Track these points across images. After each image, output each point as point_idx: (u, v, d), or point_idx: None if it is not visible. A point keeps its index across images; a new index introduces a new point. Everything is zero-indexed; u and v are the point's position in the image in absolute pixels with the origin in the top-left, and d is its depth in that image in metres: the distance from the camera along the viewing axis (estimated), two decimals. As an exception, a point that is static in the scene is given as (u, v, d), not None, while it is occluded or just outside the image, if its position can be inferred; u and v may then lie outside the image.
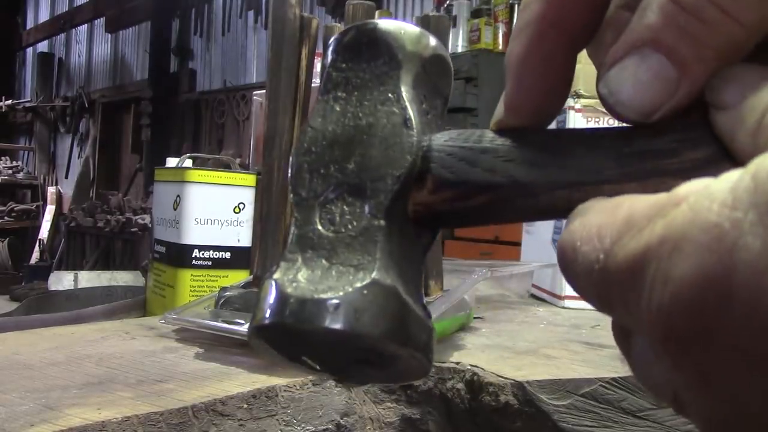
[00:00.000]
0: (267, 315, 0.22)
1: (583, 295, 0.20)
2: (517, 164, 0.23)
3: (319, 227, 0.24)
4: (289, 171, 0.26)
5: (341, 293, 0.21)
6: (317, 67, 1.08)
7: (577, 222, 0.20)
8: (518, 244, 1.22)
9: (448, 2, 3.31)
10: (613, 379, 0.56)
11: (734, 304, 0.15)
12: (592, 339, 0.74)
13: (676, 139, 0.21)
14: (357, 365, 0.25)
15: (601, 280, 0.18)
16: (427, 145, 0.24)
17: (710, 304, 0.15)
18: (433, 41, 0.27)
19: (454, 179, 0.24)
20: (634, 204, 0.18)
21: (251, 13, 5.75)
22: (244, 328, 0.63)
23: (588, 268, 0.19)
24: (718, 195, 0.16)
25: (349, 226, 0.23)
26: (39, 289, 2.34)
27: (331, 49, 0.27)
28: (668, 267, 0.16)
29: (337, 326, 0.21)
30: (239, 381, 0.52)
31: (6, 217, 6.38)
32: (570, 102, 1.02)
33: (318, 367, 0.26)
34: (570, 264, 0.20)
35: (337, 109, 0.26)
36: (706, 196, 0.16)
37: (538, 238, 1.13)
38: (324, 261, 0.23)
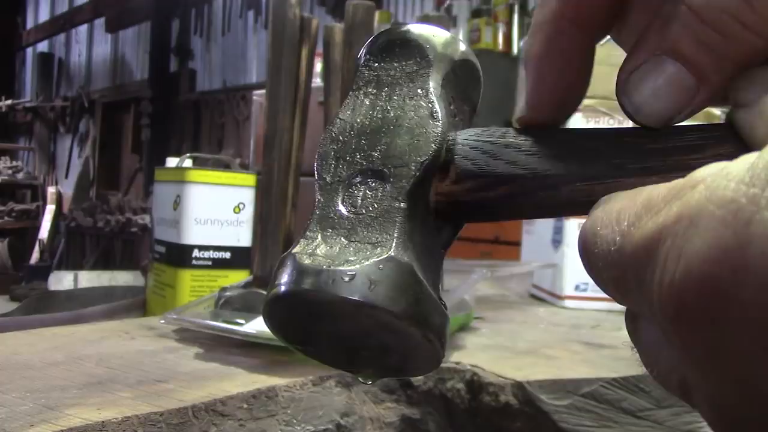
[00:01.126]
0: (283, 284, 0.22)
1: (600, 280, 0.20)
2: (539, 157, 0.23)
3: (341, 208, 0.24)
4: (315, 159, 0.26)
5: (357, 266, 0.22)
6: (317, 67, 1.08)
7: (599, 209, 0.20)
8: (518, 244, 1.23)
9: (448, 2, 3.31)
10: (613, 379, 0.56)
11: (748, 278, 0.15)
12: (592, 339, 0.74)
13: (698, 137, 0.22)
14: (369, 351, 0.25)
15: (616, 262, 0.18)
16: (453, 139, 0.25)
17: (723, 278, 0.15)
18: (463, 46, 0.27)
19: (476, 170, 0.24)
20: (653, 189, 0.18)
21: (251, 13, 5.75)
22: (244, 328, 0.64)
23: (605, 251, 0.19)
24: (735, 174, 0.16)
25: (370, 208, 0.23)
26: (39, 289, 2.34)
27: (364, 50, 0.28)
28: (682, 242, 0.16)
29: (352, 296, 0.21)
30: (239, 381, 0.52)
31: (6, 217, 6.38)
32: (570, 102, 1.02)
33: (328, 356, 0.26)
34: (589, 248, 0.20)
35: (367, 102, 0.26)
36: (723, 175, 0.16)
37: (538, 238, 1.13)
38: (343, 239, 0.23)
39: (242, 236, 0.98)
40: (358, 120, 0.26)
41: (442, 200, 0.24)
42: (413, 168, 0.24)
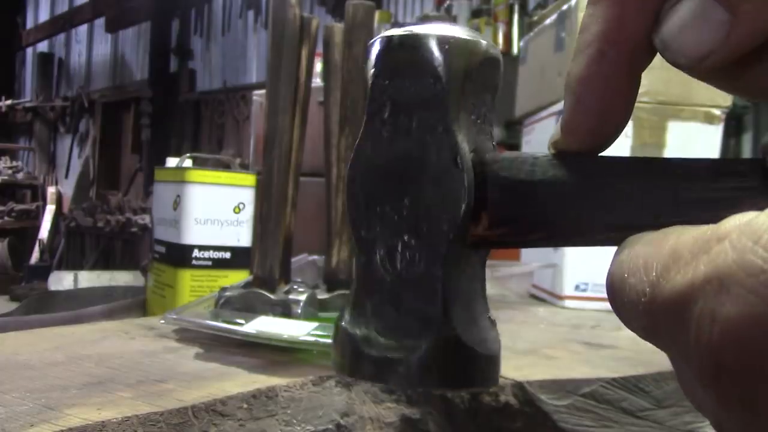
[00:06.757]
0: (348, 369, 0.25)
1: (629, 325, 0.20)
2: (574, 206, 0.23)
3: (382, 272, 0.25)
4: (347, 203, 0.26)
5: (410, 354, 0.23)
6: (317, 67, 1.07)
7: (625, 253, 0.20)
8: (518, 244, 1.22)
9: (448, 2, 3.30)
10: (613, 379, 0.56)
11: None
12: (592, 339, 0.74)
13: (736, 186, 0.22)
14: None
15: (647, 313, 0.18)
16: (482, 177, 0.24)
17: (760, 343, 0.16)
18: (481, 46, 0.25)
19: (509, 217, 0.24)
20: (680, 236, 0.18)
21: (251, 13, 5.75)
22: (245, 328, 0.63)
23: (635, 300, 0.19)
24: (761, 234, 0.16)
25: (410, 270, 0.24)
26: (39, 289, 2.34)
27: (371, 61, 0.26)
28: (714, 306, 0.16)
29: (410, 383, 0.23)
30: (239, 381, 0.52)
31: (6, 217, 6.38)
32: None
33: None
34: (617, 295, 0.20)
35: (385, 135, 0.25)
36: (749, 234, 0.16)
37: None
38: (390, 307, 0.24)
39: (242, 236, 0.98)
40: (381, 161, 0.25)
41: (476, 240, 0.25)
42: (446, 228, 0.24)
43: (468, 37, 0.25)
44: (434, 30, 0.25)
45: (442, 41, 0.25)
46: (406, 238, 0.24)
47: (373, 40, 0.26)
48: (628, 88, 0.23)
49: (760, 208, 0.19)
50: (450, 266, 0.24)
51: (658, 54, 0.23)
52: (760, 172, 0.21)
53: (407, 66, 0.25)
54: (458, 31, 0.25)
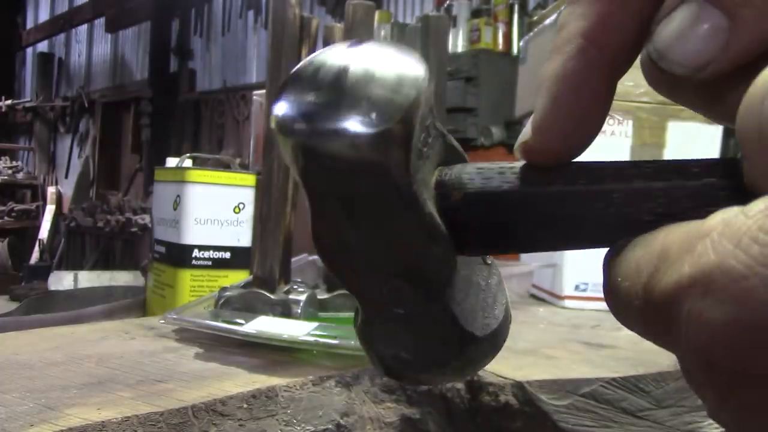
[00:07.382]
0: (389, 375, 0.26)
1: (628, 326, 0.20)
2: (558, 235, 0.22)
3: (382, 305, 0.24)
4: (329, 270, 0.26)
5: (438, 373, 0.25)
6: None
7: (619, 257, 0.20)
8: (518, 244, 1.22)
9: (448, 2, 3.31)
10: (613, 379, 0.56)
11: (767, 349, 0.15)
12: (592, 339, 0.74)
13: (728, 199, 0.20)
14: None
15: (641, 314, 0.19)
16: (453, 224, 0.22)
17: (750, 346, 0.16)
18: (418, 98, 0.20)
19: (496, 248, 0.24)
20: (668, 235, 0.18)
21: (251, 13, 5.75)
22: (244, 328, 0.63)
23: (629, 304, 0.19)
24: (741, 236, 0.16)
25: (413, 307, 0.24)
26: (39, 289, 2.34)
27: (289, 147, 0.20)
28: (702, 308, 0.16)
29: (443, 383, 0.25)
30: (239, 381, 0.52)
31: (6, 217, 6.38)
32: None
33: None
34: (613, 298, 0.20)
35: (339, 225, 0.22)
36: (729, 236, 0.16)
37: (538, 238, 1.13)
38: (407, 335, 0.24)
39: (242, 236, 0.98)
40: (345, 244, 0.22)
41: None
42: (435, 284, 0.23)
43: (403, 93, 0.19)
44: (356, 89, 0.19)
45: (370, 117, 0.18)
46: (398, 282, 0.23)
47: (274, 111, 0.19)
48: (605, 93, 0.22)
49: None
50: (448, 287, 0.24)
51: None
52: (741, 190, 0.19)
53: (336, 161, 0.19)
54: (387, 76, 0.20)
